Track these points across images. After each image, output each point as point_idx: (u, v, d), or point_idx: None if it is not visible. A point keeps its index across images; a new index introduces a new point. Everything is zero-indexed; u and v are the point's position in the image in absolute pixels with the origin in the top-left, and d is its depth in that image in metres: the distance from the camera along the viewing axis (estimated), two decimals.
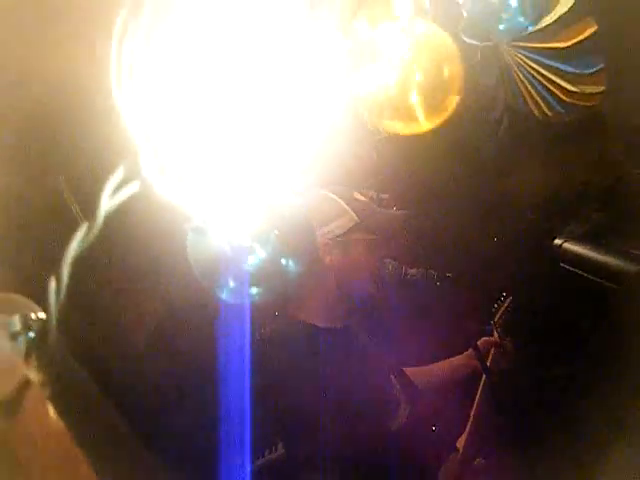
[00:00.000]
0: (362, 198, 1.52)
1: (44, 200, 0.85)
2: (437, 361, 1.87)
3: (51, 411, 0.61)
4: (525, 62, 1.90)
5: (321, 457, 1.26)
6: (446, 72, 0.95)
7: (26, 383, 0.58)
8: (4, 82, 0.90)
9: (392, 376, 1.57)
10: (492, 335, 1.86)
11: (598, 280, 1.84)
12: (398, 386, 1.57)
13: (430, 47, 0.96)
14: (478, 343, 1.79)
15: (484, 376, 1.75)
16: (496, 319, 1.88)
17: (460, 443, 1.71)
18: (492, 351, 1.81)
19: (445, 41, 0.96)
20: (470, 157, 2.72)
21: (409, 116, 0.95)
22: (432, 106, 0.96)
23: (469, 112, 2.16)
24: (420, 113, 0.95)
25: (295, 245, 0.91)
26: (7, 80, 0.86)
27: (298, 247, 0.91)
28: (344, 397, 1.30)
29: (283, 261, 0.91)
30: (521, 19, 1.11)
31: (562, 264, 2.03)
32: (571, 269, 1.97)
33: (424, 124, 0.97)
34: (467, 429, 1.71)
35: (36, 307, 0.73)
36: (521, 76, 1.94)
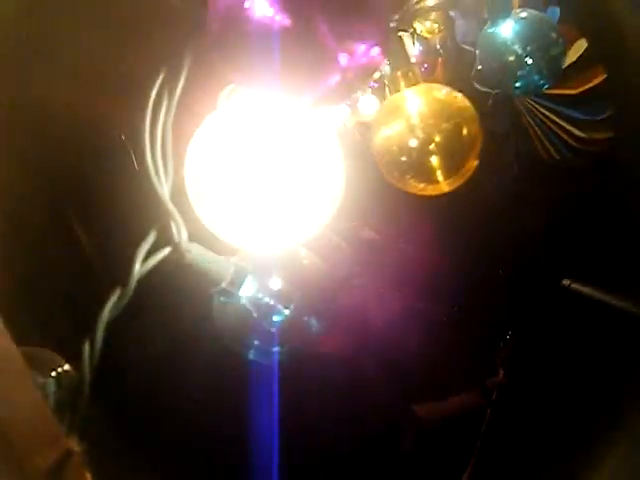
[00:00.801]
0: (369, 234, 1.52)
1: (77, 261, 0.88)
2: (444, 397, 1.87)
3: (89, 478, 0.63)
4: (535, 107, 1.94)
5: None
6: (465, 134, 0.97)
7: (68, 452, 0.60)
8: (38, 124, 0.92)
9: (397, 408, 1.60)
10: (497, 374, 1.86)
11: (608, 322, 1.85)
12: (403, 419, 1.58)
13: (449, 110, 0.99)
14: (485, 382, 1.81)
15: (488, 413, 1.75)
16: (501, 357, 1.89)
17: (464, 479, 1.70)
18: (496, 390, 1.81)
19: (464, 104, 0.99)
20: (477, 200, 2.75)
21: (430, 178, 0.98)
22: (452, 169, 0.98)
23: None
24: (440, 175, 0.97)
25: (317, 304, 0.93)
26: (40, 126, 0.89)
27: (320, 306, 0.94)
28: (350, 422, 1.34)
29: (305, 319, 0.93)
30: (537, 77, 1.14)
31: (570, 305, 2.04)
32: (580, 311, 1.98)
33: (445, 186, 1.00)
34: (470, 465, 1.69)
35: (64, 362, 0.75)
36: (531, 122, 1.98)
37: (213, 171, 0.72)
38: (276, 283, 0.88)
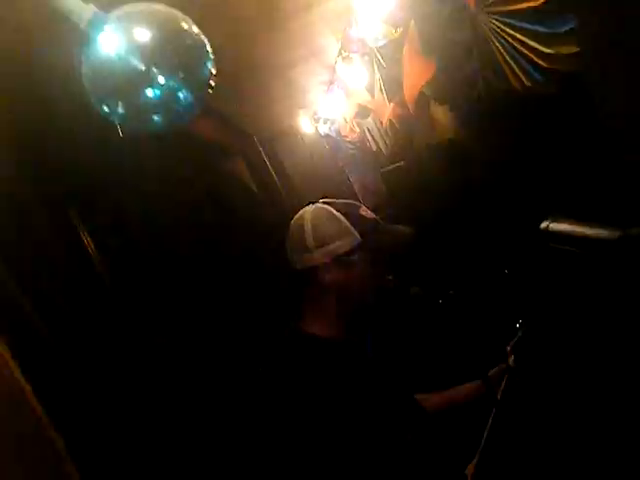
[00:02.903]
0: (368, 214, 1.50)
1: None
2: (448, 386, 1.81)
3: None
4: (500, 28, 1.89)
5: None
6: None
7: None
8: None
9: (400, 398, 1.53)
10: (507, 362, 1.77)
11: (586, 253, 1.78)
12: (405, 408, 1.52)
13: None
14: (491, 371, 1.75)
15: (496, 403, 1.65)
16: (511, 345, 1.83)
17: (469, 470, 1.58)
18: (505, 378, 1.71)
19: None
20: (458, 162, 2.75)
21: None
22: None
23: (444, 69, 2.18)
24: None
25: (194, 80, 0.89)
26: None
27: (196, 82, 0.89)
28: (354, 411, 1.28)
29: (180, 95, 0.89)
30: None
31: (551, 244, 1.97)
32: (560, 248, 1.92)
33: None
34: (476, 456, 1.58)
35: None
36: (498, 45, 1.92)
37: None
38: (143, 34, 0.84)
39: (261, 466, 1.33)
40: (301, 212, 1.47)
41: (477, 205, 2.86)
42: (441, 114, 2.95)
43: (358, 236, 1.40)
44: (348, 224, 1.41)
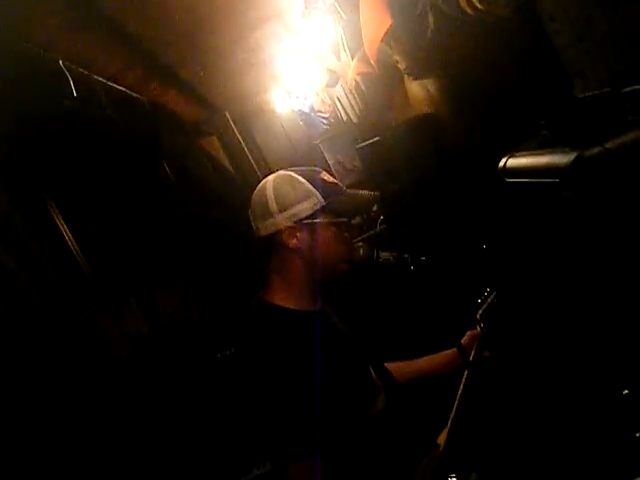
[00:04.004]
0: (330, 178, 1.48)
1: None
2: (419, 355, 1.81)
3: None
4: None
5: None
6: None
7: None
8: None
9: (370, 367, 1.52)
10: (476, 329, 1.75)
11: (542, 181, 1.72)
12: (376, 378, 1.51)
13: None
14: (464, 338, 1.74)
15: (467, 370, 1.65)
16: (480, 312, 1.79)
17: (441, 438, 1.55)
18: (476, 345, 1.71)
19: None
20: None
21: None
22: None
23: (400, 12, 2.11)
24: None
25: None
26: None
27: None
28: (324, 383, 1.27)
29: None
30: None
31: (508, 180, 1.91)
32: (517, 181, 1.85)
33: None
34: (448, 424, 1.57)
35: None
36: None
37: None
38: None
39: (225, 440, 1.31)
40: (263, 180, 1.45)
41: (452, 175, 2.82)
42: (416, 88, 2.90)
43: (322, 199, 1.39)
44: (311, 188, 1.40)
